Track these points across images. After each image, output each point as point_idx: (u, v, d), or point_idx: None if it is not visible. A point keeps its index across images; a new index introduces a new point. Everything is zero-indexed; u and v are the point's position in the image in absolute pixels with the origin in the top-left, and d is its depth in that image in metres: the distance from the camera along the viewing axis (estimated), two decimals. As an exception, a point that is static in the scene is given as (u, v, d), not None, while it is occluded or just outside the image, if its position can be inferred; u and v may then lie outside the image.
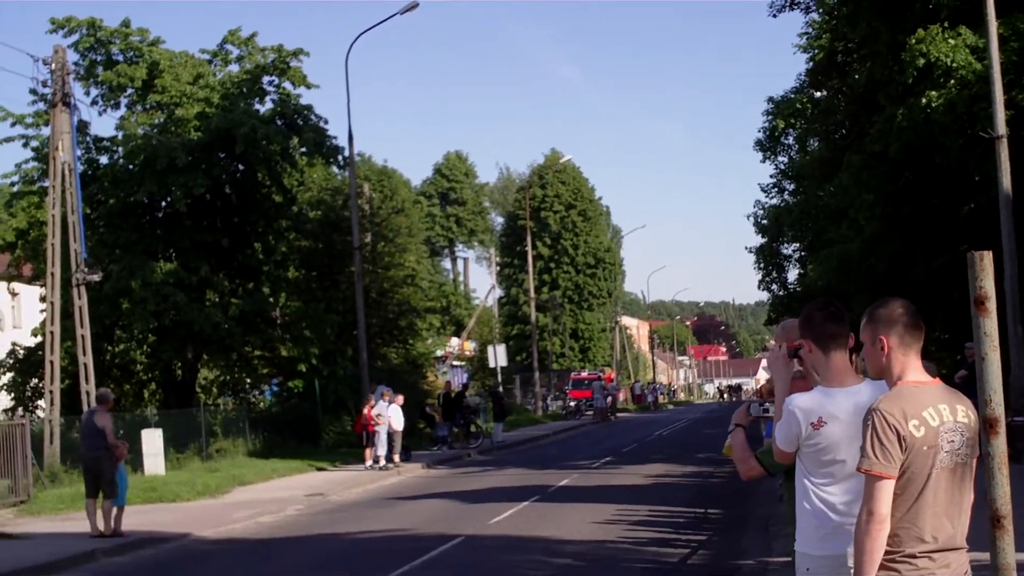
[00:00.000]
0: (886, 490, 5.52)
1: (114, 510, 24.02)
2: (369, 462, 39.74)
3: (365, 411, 40.61)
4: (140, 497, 29.55)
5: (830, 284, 41.88)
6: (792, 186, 60.34)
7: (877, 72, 33.99)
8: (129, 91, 46.79)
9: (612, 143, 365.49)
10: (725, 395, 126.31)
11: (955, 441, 5.64)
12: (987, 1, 27.67)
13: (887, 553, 5.55)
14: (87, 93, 47.07)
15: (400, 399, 41.11)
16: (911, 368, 5.78)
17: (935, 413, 5.62)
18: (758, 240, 62.03)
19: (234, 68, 49.03)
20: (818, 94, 47.51)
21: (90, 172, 46.06)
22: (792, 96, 53.51)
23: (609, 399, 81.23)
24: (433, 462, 42.64)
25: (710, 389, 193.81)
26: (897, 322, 5.81)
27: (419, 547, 20.62)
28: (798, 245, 60.78)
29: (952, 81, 29.81)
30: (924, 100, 29.82)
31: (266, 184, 49.07)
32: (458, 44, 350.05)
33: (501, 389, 63.85)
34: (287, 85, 48.72)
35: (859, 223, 39.48)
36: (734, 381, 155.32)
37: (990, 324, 6.05)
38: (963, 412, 5.71)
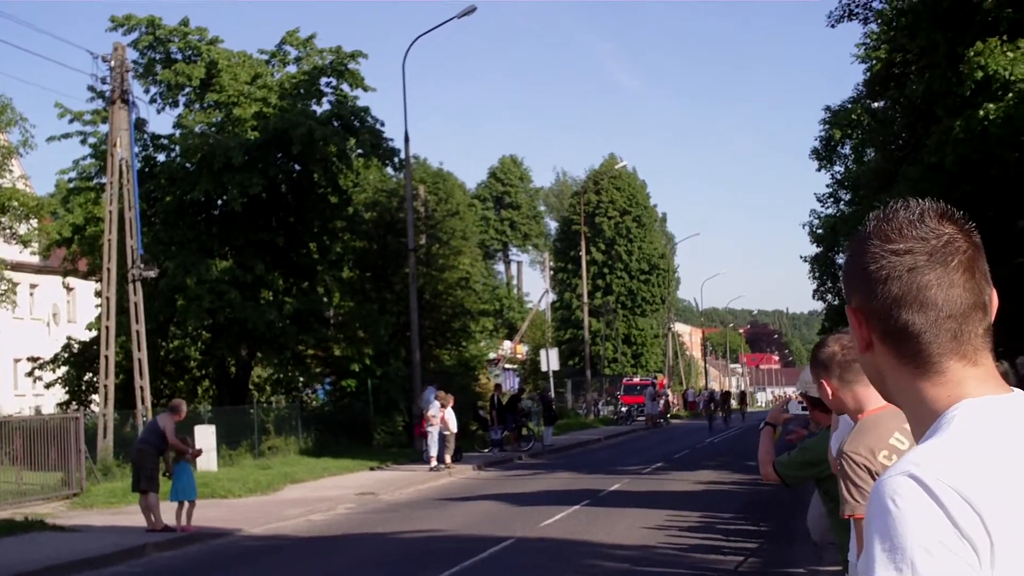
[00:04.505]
0: None
1: (175, 505, 24.15)
2: (434, 463, 39.64)
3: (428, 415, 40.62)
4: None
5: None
6: (848, 196, 59.99)
7: (935, 84, 33.72)
8: (187, 90, 47.09)
9: (668, 150, 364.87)
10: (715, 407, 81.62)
11: None
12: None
13: None
14: (146, 91, 47.42)
15: (451, 400, 41.09)
16: (866, 398, 5.62)
17: (903, 436, 5.46)
18: (813, 249, 61.70)
19: (292, 69, 49.28)
20: (875, 105, 47.19)
21: (147, 169, 46.38)
22: (849, 106, 53.25)
23: (661, 405, 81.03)
24: (484, 464, 42.64)
25: (762, 397, 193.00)
26: (830, 363, 5.73)
27: (469, 548, 20.62)
28: (853, 255, 60.39)
29: (1010, 94, 29.55)
30: (981, 112, 29.57)
31: (322, 185, 49.26)
32: (516, 49, 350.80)
33: (552, 393, 63.79)
34: (344, 87, 48.93)
35: (915, 235, 39.11)
36: (722, 390, 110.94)
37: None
38: None
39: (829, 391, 5.76)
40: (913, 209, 2.34)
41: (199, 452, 26.36)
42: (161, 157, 48.13)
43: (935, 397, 2.28)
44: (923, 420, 2.29)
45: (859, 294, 2.37)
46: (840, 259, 61.70)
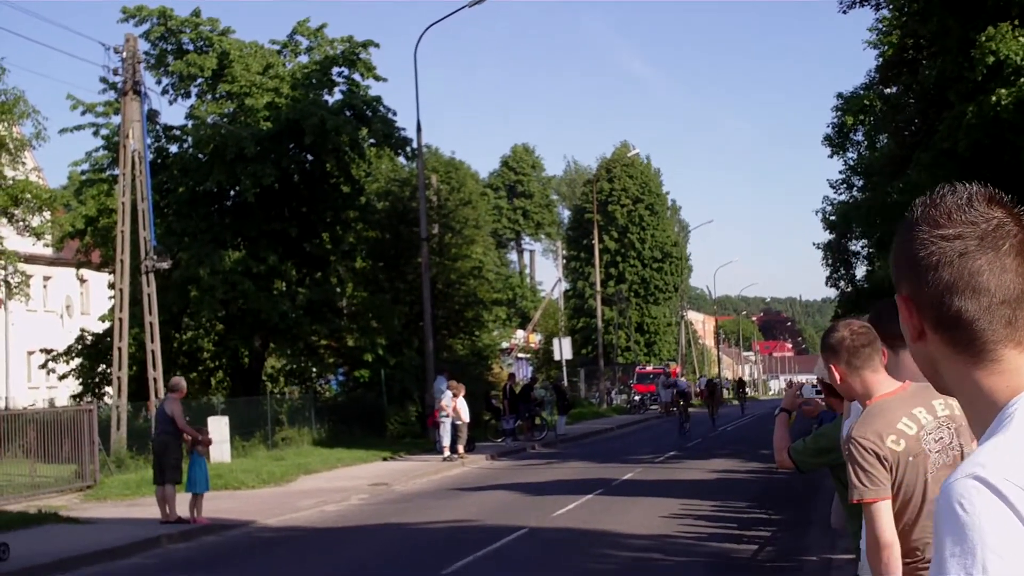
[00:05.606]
0: (884, 513, 5.38)
1: (189, 497, 24.14)
2: (447, 453, 39.57)
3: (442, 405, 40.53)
4: (206, 484, 29.74)
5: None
6: (861, 182, 59.83)
7: (947, 69, 33.60)
8: (199, 80, 46.98)
9: (681, 139, 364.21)
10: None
11: (943, 438, 5.51)
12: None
13: (911, 564, 5.44)
14: (158, 82, 47.38)
15: (462, 390, 41.02)
16: (875, 383, 5.69)
17: (911, 421, 5.48)
18: (826, 236, 61.56)
19: (303, 59, 49.17)
20: (888, 91, 47.05)
21: (160, 160, 46.31)
22: (861, 92, 53.10)
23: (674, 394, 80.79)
24: (497, 454, 42.65)
25: (775, 385, 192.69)
26: (839, 348, 5.76)
27: (483, 538, 20.63)
28: (866, 242, 60.15)
29: (1021, 79, 29.48)
30: (994, 98, 29.49)
31: (334, 175, 49.21)
32: (527, 37, 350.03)
33: (565, 382, 63.74)
34: (356, 76, 48.85)
35: (928, 221, 38.97)
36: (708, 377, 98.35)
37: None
38: (942, 405, 5.57)
39: (838, 376, 5.76)
40: (961, 194, 2.30)
41: (210, 441, 26.30)
42: (173, 148, 48.14)
43: (992, 387, 2.21)
44: (981, 413, 2.23)
45: (909, 282, 2.31)
46: (853, 246, 61.59)
